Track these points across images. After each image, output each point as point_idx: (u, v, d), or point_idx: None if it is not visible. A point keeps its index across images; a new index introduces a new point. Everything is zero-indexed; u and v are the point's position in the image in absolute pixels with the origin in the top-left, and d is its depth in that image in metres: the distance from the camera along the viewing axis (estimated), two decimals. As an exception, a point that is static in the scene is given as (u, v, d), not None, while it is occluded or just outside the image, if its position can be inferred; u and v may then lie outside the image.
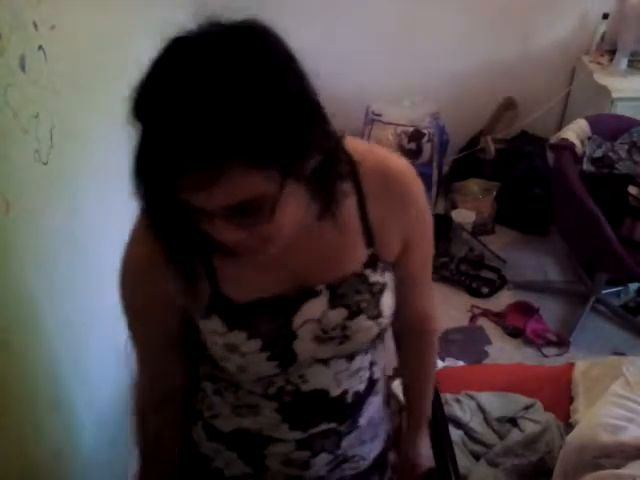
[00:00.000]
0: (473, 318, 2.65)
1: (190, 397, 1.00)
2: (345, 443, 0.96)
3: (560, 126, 3.15)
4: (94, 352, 1.53)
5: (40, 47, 1.20)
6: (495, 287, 2.81)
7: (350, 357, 0.89)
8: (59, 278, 1.32)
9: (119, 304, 0.86)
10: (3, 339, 1.09)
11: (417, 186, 0.86)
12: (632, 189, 2.44)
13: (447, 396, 1.70)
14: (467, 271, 2.85)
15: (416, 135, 2.97)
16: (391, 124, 2.99)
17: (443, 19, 3.10)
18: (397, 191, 0.84)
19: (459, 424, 1.65)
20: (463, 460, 1.54)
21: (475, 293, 2.77)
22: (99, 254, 1.57)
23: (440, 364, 2.32)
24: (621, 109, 2.71)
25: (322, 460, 0.96)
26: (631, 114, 2.61)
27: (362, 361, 0.91)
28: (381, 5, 3.01)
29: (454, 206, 3.15)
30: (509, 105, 3.33)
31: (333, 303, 0.82)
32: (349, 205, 0.80)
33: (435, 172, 3.07)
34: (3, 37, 1.05)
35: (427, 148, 2.98)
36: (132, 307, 0.86)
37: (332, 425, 0.93)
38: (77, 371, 1.44)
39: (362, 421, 0.97)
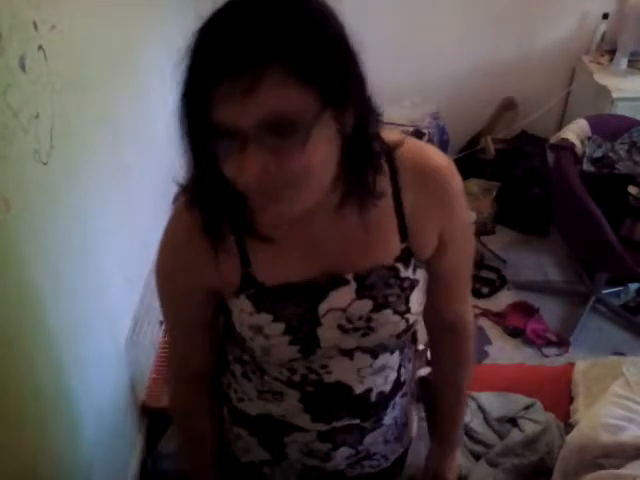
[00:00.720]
0: (473, 318, 2.65)
1: (218, 379, 1.01)
2: (368, 440, 0.96)
3: (560, 126, 3.15)
4: (94, 352, 1.53)
5: (40, 47, 1.20)
6: (495, 287, 2.81)
7: (374, 354, 0.88)
8: (59, 278, 1.32)
9: (154, 282, 0.89)
10: (3, 338, 1.09)
11: (457, 183, 0.83)
12: (632, 189, 2.44)
13: (447, 396, 1.69)
14: (467, 271, 2.85)
15: (416, 135, 2.97)
16: (391, 124, 2.99)
17: (443, 19, 3.10)
18: (435, 186, 0.81)
19: (459, 424, 1.65)
20: (463, 460, 1.54)
21: (475, 293, 2.77)
22: (99, 254, 1.57)
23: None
24: (621, 109, 2.71)
25: (343, 454, 0.95)
26: (631, 114, 2.61)
27: (387, 360, 0.90)
28: (381, 5, 3.01)
29: (454, 206, 3.15)
30: (509, 105, 3.33)
31: (360, 293, 0.81)
32: (384, 195, 0.78)
33: (435, 172, 3.07)
34: (3, 37, 1.05)
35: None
36: (168, 283, 0.87)
37: (355, 421, 0.92)
38: (77, 371, 1.44)
39: (387, 420, 0.96)
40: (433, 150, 0.83)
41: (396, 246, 0.82)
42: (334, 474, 1.00)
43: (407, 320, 0.83)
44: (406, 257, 0.82)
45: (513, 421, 1.68)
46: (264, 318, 0.81)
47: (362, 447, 0.96)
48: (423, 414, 1.19)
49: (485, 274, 2.86)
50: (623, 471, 1.33)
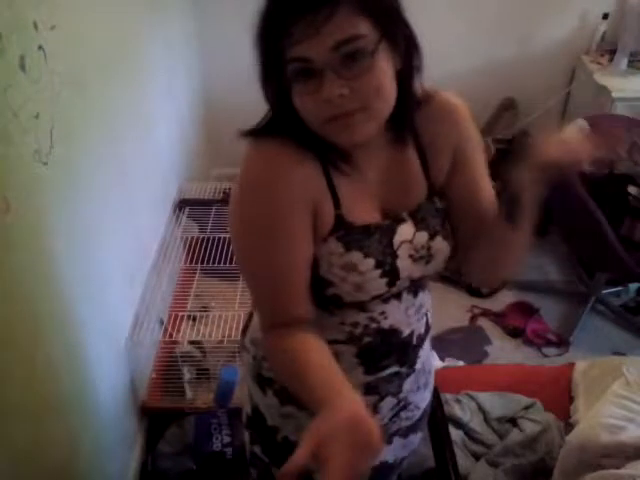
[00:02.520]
0: (473, 318, 2.65)
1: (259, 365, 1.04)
2: (406, 387, 1.05)
3: (560, 126, 3.15)
4: (94, 352, 1.54)
5: (40, 47, 1.20)
6: (495, 287, 2.81)
7: (415, 292, 1.00)
8: (59, 278, 1.32)
9: (238, 230, 0.88)
10: (4, 339, 1.09)
11: (465, 108, 0.96)
12: (632, 189, 2.44)
13: (447, 396, 1.70)
14: (467, 271, 2.85)
15: (416, 135, 2.97)
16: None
17: (443, 19, 3.10)
18: (444, 111, 0.94)
19: (459, 424, 1.65)
20: (463, 460, 1.54)
21: (475, 293, 2.77)
22: (99, 254, 1.57)
23: (440, 364, 2.33)
24: (621, 109, 2.71)
25: (388, 404, 1.04)
26: (631, 114, 2.61)
27: (423, 299, 1.03)
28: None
29: (454, 206, 3.15)
30: (509, 105, 3.33)
31: (417, 227, 0.93)
32: (408, 138, 0.92)
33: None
34: (3, 37, 1.05)
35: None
36: (285, 217, 0.85)
37: (397, 368, 1.02)
38: (77, 371, 1.44)
39: (418, 365, 1.06)
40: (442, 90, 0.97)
41: (424, 182, 0.95)
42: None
43: (450, 244, 0.96)
44: (433, 191, 0.95)
45: (513, 421, 1.68)
46: (355, 256, 0.88)
47: (402, 395, 1.05)
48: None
49: (485, 274, 2.86)
50: (623, 471, 1.33)
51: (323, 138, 0.83)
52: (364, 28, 0.75)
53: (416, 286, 1.00)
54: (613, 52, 2.97)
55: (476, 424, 1.66)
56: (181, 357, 2.02)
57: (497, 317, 2.65)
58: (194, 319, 2.19)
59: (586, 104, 2.99)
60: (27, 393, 1.20)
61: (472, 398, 1.72)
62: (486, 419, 1.68)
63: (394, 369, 1.02)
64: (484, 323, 2.63)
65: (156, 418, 2.00)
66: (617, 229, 2.32)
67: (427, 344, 1.10)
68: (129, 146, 1.87)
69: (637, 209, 2.41)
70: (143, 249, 2.05)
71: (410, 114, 0.89)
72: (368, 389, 1.01)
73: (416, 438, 1.19)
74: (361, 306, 0.94)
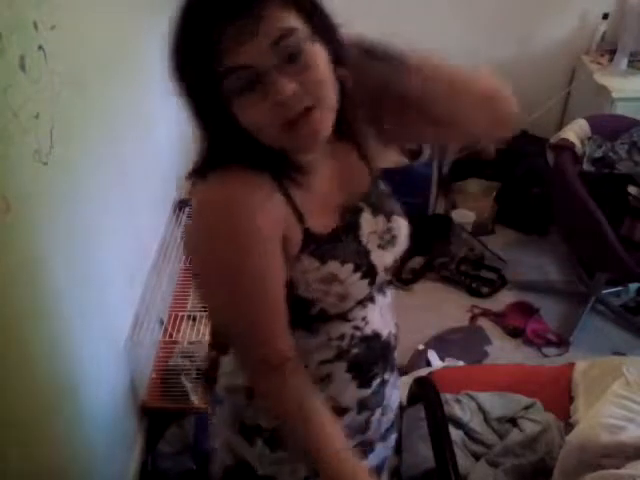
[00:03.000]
0: (473, 318, 2.65)
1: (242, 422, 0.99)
2: (387, 393, 1.04)
3: (560, 126, 3.15)
4: (94, 352, 1.54)
5: (40, 47, 1.20)
6: (495, 287, 2.81)
7: (384, 291, 1.00)
8: (59, 278, 1.32)
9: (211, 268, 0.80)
10: (3, 338, 1.09)
11: None
12: (632, 189, 2.44)
13: (447, 396, 1.70)
14: (467, 271, 2.85)
15: (416, 135, 2.97)
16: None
17: (442, 19, 3.10)
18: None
19: (459, 424, 1.65)
20: (463, 460, 1.54)
21: (475, 293, 2.77)
22: (99, 254, 1.57)
23: (440, 364, 2.33)
24: (621, 109, 2.71)
25: (376, 416, 1.03)
26: (631, 114, 2.60)
27: (389, 296, 1.02)
28: (380, 4, 3.01)
29: (454, 206, 3.15)
30: (509, 105, 3.33)
31: (374, 213, 0.93)
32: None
33: (435, 172, 3.07)
34: (3, 37, 1.05)
35: (427, 148, 2.97)
36: (260, 253, 0.79)
37: (381, 377, 1.01)
38: (77, 371, 1.44)
39: (394, 365, 1.06)
40: None
41: (366, 169, 0.94)
42: (364, 443, 1.05)
43: (406, 221, 0.98)
44: (374, 174, 0.95)
45: (513, 421, 1.68)
46: (332, 266, 0.85)
47: (385, 402, 1.04)
48: (423, 414, 1.19)
49: (485, 274, 2.86)
50: (623, 471, 1.33)
51: (280, 149, 0.77)
52: (294, 21, 0.72)
53: (383, 284, 0.99)
54: (613, 52, 2.97)
55: (476, 424, 1.66)
56: (181, 357, 2.02)
57: (497, 317, 2.65)
58: (194, 319, 2.19)
59: (586, 104, 2.99)
60: (27, 392, 1.20)
61: (472, 398, 1.72)
62: (486, 419, 1.68)
63: (380, 378, 1.01)
64: (484, 323, 2.63)
65: (156, 418, 2.00)
66: (617, 229, 2.32)
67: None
68: (129, 146, 1.87)
69: (637, 209, 2.40)
70: (143, 249, 2.05)
71: (352, 109, 0.83)
72: (361, 407, 0.99)
73: (394, 436, 1.18)
74: (344, 316, 0.92)
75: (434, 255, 2.82)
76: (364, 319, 0.95)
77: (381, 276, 0.93)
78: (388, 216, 0.95)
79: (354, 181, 0.93)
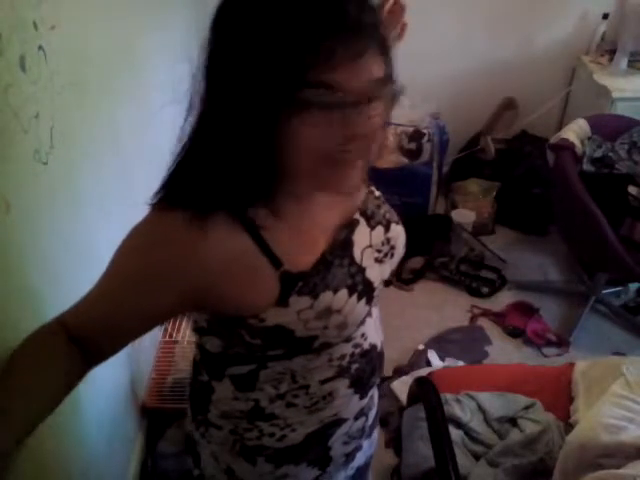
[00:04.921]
0: (473, 318, 2.65)
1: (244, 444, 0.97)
2: (375, 394, 1.07)
3: (560, 126, 3.15)
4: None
5: (40, 47, 1.20)
6: (495, 287, 2.81)
7: (374, 302, 0.96)
8: (59, 278, 1.32)
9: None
10: (3, 338, 1.09)
11: None
12: (632, 189, 2.44)
13: (447, 396, 1.70)
14: (467, 271, 2.85)
15: (416, 135, 2.97)
16: (391, 124, 2.99)
17: (443, 19, 3.10)
18: None
19: (459, 424, 1.65)
20: (463, 460, 1.54)
21: (475, 293, 2.77)
22: (99, 254, 1.57)
23: (440, 364, 2.33)
24: (621, 109, 2.71)
25: (369, 420, 1.05)
26: (631, 114, 2.61)
27: (375, 306, 0.98)
28: (381, 5, 3.01)
29: (454, 206, 3.15)
30: (509, 105, 3.33)
31: (370, 224, 0.91)
32: None
33: (435, 172, 3.07)
34: (3, 37, 1.05)
35: (427, 148, 2.97)
36: (161, 277, 0.84)
37: (376, 382, 1.02)
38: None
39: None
40: None
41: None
42: (359, 447, 1.06)
43: (403, 227, 0.97)
44: (365, 179, 0.92)
45: (513, 421, 1.68)
46: (326, 297, 0.81)
47: (372, 403, 1.06)
48: (423, 414, 1.19)
49: (485, 274, 2.86)
50: (623, 471, 1.33)
51: (300, 179, 0.76)
52: (384, 69, 0.71)
53: (377, 295, 0.96)
54: (613, 52, 2.98)
55: (476, 424, 1.66)
56: (181, 357, 2.02)
57: (497, 317, 2.65)
58: (194, 319, 2.19)
59: (586, 104, 2.99)
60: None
61: (472, 398, 1.72)
62: (486, 419, 1.68)
63: (375, 386, 1.03)
64: (484, 323, 2.63)
65: (156, 418, 2.00)
66: (617, 229, 2.33)
67: None
68: (129, 146, 1.86)
69: (637, 209, 2.41)
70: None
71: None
72: (359, 415, 1.00)
73: (377, 432, 1.18)
74: (346, 338, 0.90)
75: (434, 255, 2.83)
76: (363, 335, 0.94)
77: (377, 290, 0.91)
78: (386, 226, 0.93)
79: (351, 195, 0.90)
